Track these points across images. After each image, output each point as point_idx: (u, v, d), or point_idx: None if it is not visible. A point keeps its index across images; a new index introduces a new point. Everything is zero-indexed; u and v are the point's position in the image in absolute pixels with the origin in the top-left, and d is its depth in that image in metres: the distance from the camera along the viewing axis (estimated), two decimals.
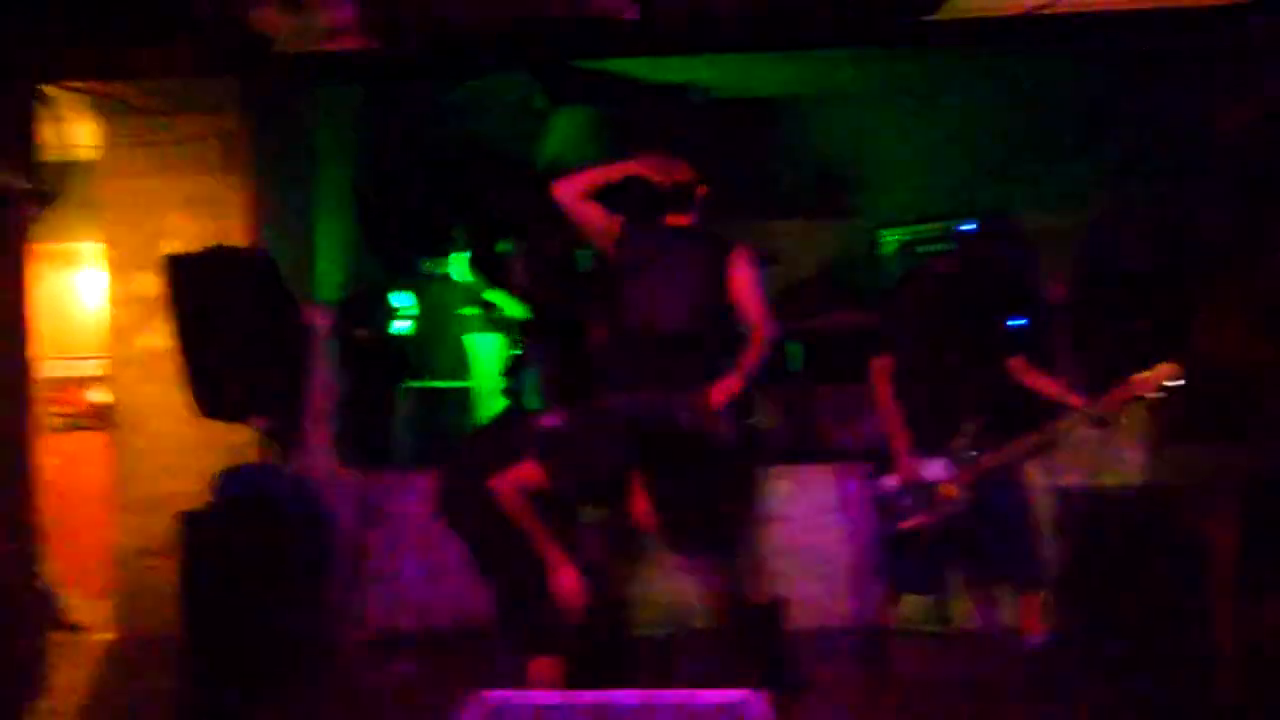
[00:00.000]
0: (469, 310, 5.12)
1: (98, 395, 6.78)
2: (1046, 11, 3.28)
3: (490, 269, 4.96)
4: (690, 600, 4.45)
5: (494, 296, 4.95)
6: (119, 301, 5.88)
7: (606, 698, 2.32)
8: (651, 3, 2.97)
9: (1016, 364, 3.81)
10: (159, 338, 5.80)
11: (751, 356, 3.54)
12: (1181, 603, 3.91)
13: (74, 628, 5.92)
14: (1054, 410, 3.71)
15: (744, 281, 3.62)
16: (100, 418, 6.74)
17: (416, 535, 4.53)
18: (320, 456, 4.36)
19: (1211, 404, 4.67)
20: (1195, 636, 3.88)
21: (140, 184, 5.77)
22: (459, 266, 5.08)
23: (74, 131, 5.31)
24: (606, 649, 3.35)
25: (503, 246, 4.95)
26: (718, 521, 3.43)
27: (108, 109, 5.60)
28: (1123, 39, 3.56)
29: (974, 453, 3.70)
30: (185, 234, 5.77)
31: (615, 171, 3.53)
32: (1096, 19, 3.37)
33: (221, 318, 4.01)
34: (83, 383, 6.78)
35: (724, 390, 3.44)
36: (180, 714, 3.96)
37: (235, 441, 5.66)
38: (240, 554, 4.00)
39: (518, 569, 3.17)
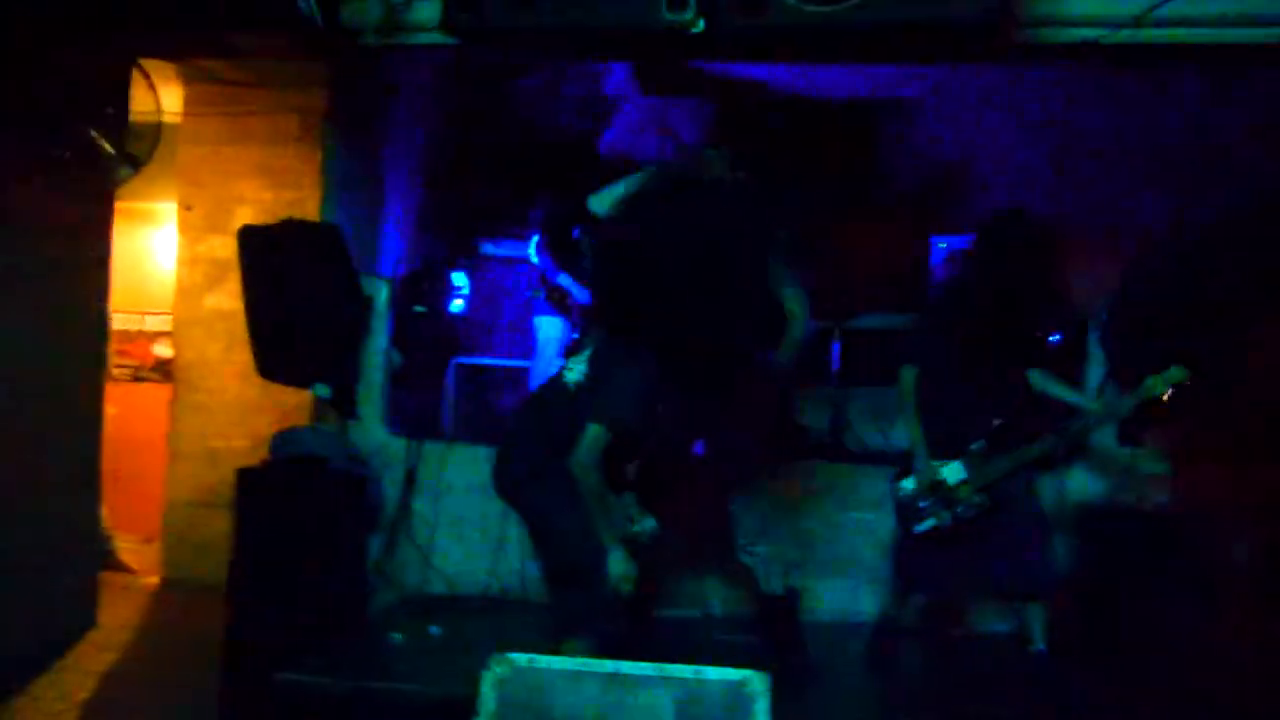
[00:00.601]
0: (537, 292, 5.33)
1: (162, 350, 7.15)
2: (1109, 42, 3.41)
3: (560, 253, 5.15)
4: (713, 586, 4.68)
5: (564, 281, 5.15)
6: (188, 262, 6.19)
7: (620, 667, 2.52)
8: (716, 16, 3.15)
9: (1035, 374, 3.95)
10: (225, 299, 6.14)
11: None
12: (1193, 620, 4.02)
13: (124, 568, 6.29)
14: (1069, 416, 3.85)
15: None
16: (162, 372, 7.11)
17: (454, 506, 4.77)
18: (372, 424, 4.60)
19: (1241, 424, 4.78)
20: (1204, 653, 3.99)
21: (216, 150, 6.06)
22: (532, 249, 5.28)
23: (156, 96, 5.59)
24: (635, 630, 3.57)
25: (575, 231, 5.12)
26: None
27: (190, 77, 5.90)
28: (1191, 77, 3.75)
29: (990, 457, 3.85)
30: (258, 201, 6.08)
31: (645, 183, 3.71)
32: (1154, 52, 3.52)
33: (289, 286, 4.25)
34: (150, 337, 7.16)
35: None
36: (224, 654, 4.21)
37: (288, 404, 5.97)
38: (291, 511, 4.26)
39: (570, 547, 3.36)
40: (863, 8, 3.08)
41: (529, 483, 3.43)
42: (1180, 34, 3.35)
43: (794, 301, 3.83)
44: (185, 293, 6.20)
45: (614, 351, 3.44)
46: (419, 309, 4.69)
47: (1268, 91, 3.79)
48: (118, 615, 5.49)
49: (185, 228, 6.17)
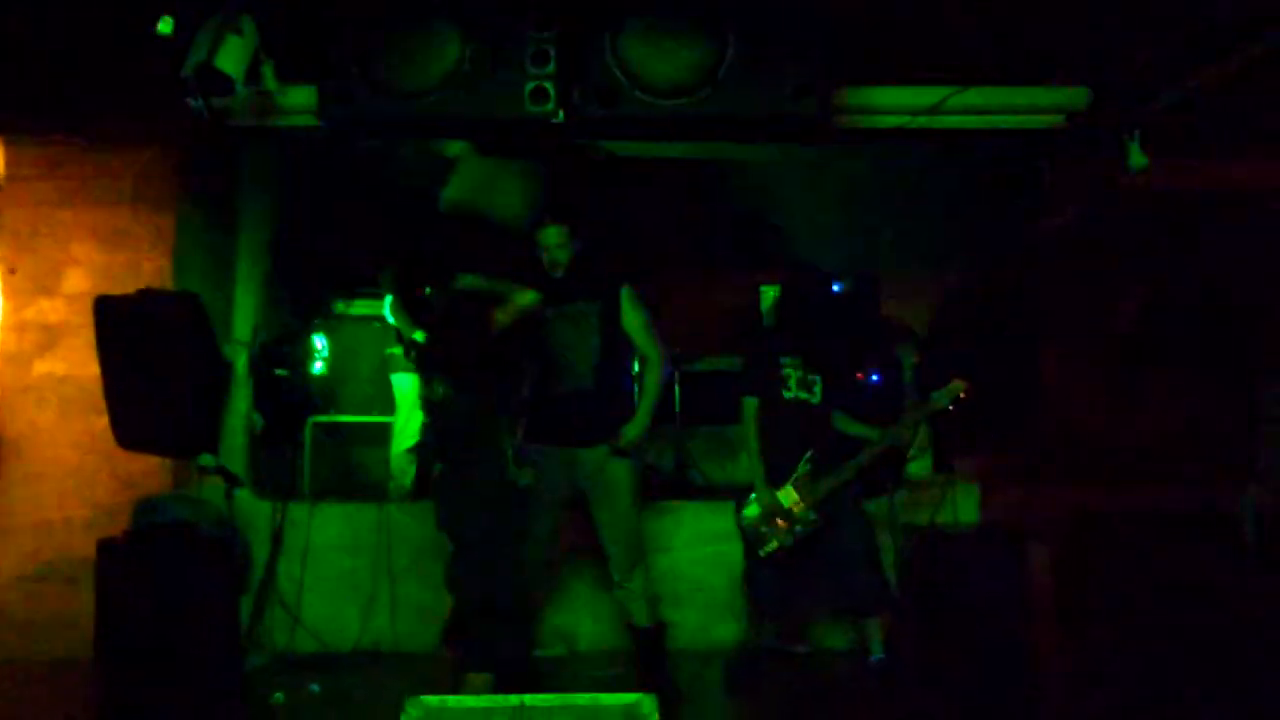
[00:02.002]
0: (394, 350, 5.59)
1: None
2: (909, 126, 4.10)
3: (414, 311, 5.44)
4: (579, 623, 5.08)
5: (419, 337, 5.43)
6: (14, 327, 6.10)
7: (524, 700, 2.89)
8: (574, 108, 3.60)
9: (837, 416, 4.61)
10: (57, 365, 6.08)
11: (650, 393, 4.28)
12: (1005, 628, 4.69)
13: None
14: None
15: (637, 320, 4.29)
16: None
17: (321, 564, 4.98)
18: (236, 487, 4.75)
19: (1046, 451, 5.58)
20: (1017, 658, 4.67)
21: (44, 212, 6.00)
22: (385, 308, 5.55)
23: None
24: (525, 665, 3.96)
25: (427, 290, 5.41)
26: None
27: (14, 138, 5.87)
28: (969, 147, 4.54)
29: (815, 478, 4.45)
30: (90, 263, 6.08)
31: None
32: (945, 133, 4.23)
33: (149, 356, 4.38)
34: None
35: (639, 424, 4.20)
36: None
37: (130, 471, 5.96)
38: (157, 578, 4.37)
39: (489, 586, 3.74)
40: (703, 102, 3.61)
41: (464, 512, 3.80)
42: (970, 120, 4.07)
43: (651, 351, 4.33)
44: (12, 359, 6.07)
45: None
46: (280, 372, 4.88)
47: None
48: None
49: (10, 292, 6.09)
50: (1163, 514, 5.58)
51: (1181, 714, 4.69)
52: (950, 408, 4.35)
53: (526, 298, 4.13)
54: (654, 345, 4.35)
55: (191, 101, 3.40)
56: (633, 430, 4.24)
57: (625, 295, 4.34)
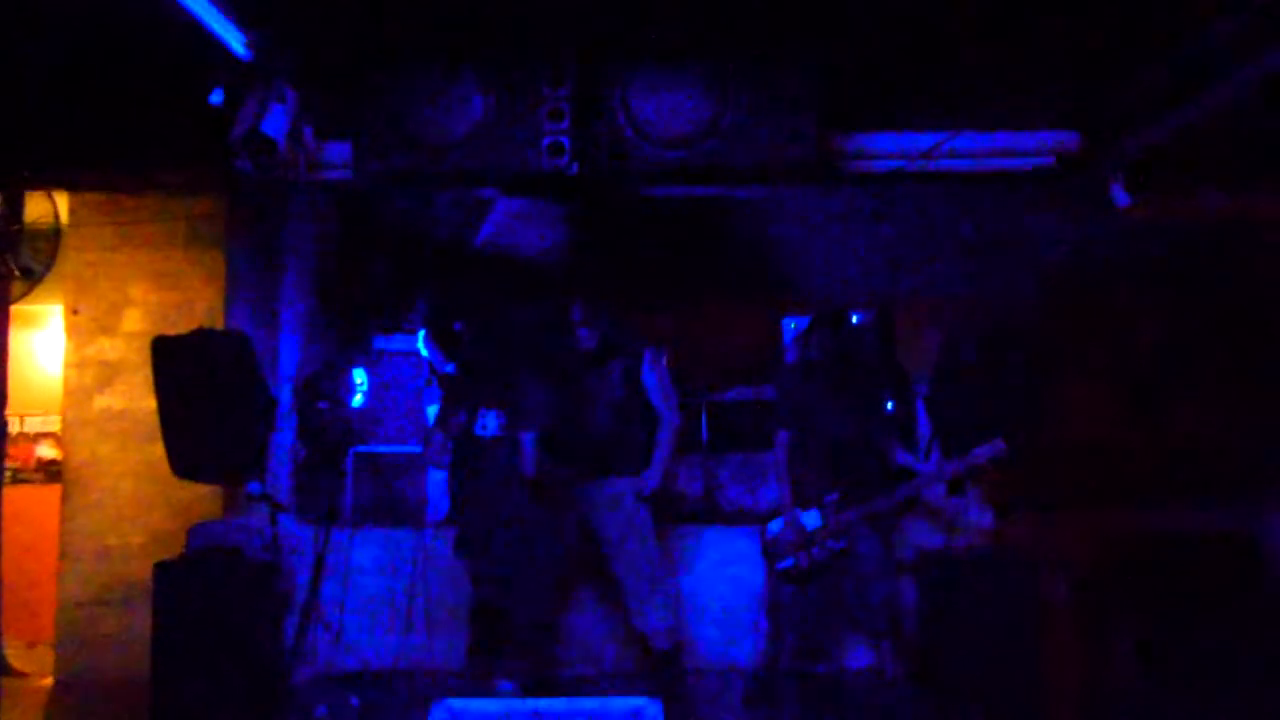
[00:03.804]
0: (429, 382, 6.04)
1: (45, 450, 7.50)
2: (908, 170, 4.46)
3: (446, 344, 5.90)
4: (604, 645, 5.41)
5: (451, 370, 5.87)
6: (76, 364, 6.62)
7: (540, 704, 3.25)
8: (588, 161, 4.01)
9: (885, 441, 4.90)
10: (115, 399, 6.61)
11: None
12: (1020, 648, 4.94)
13: (13, 673, 6.59)
14: (909, 476, 4.80)
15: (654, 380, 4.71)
16: (45, 472, 7.46)
17: (362, 587, 5.38)
18: (281, 513, 5.17)
19: (1059, 476, 5.83)
20: (1029, 676, 4.91)
21: (104, 255, 6.53)
22: (420, 342, 6.00)
23: (54, 205, 6.09)
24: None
25: (457, 325, 5.88)
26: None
27: (75, 187, 6.41)
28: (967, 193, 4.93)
29: (842, 507, 4.75)
30: (145, 303, 6.60)
31: None
32: (947, 177, 4.58)
33: (202, 391, 4.83)
34: (30, 438, 7.51)
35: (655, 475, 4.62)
36: None
37: (183, 498, 6.44)
38: (209, 600, 4.80)
39: (513, 606, 4.17)
40: (708, 154, 4.00)
41: (484, 540, 4.19)
42: (964, 164, 4.42)
43: (664, 408, 4.72)
44: (74, 394, 6.61)
45: None
46: (322, 405, 5.32)
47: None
48: (18, 719, 5.85)
49: (73, 331, 6.60)
50: (1184, 535, 5.82)
51: None
52: (989, 466, 4.60)
53: None
54: (666, 403, 4.78)
55: (238, 162, 3.84)
56: (651, 480, 4.70)
57: (647, 358, 4.78)
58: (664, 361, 4.78)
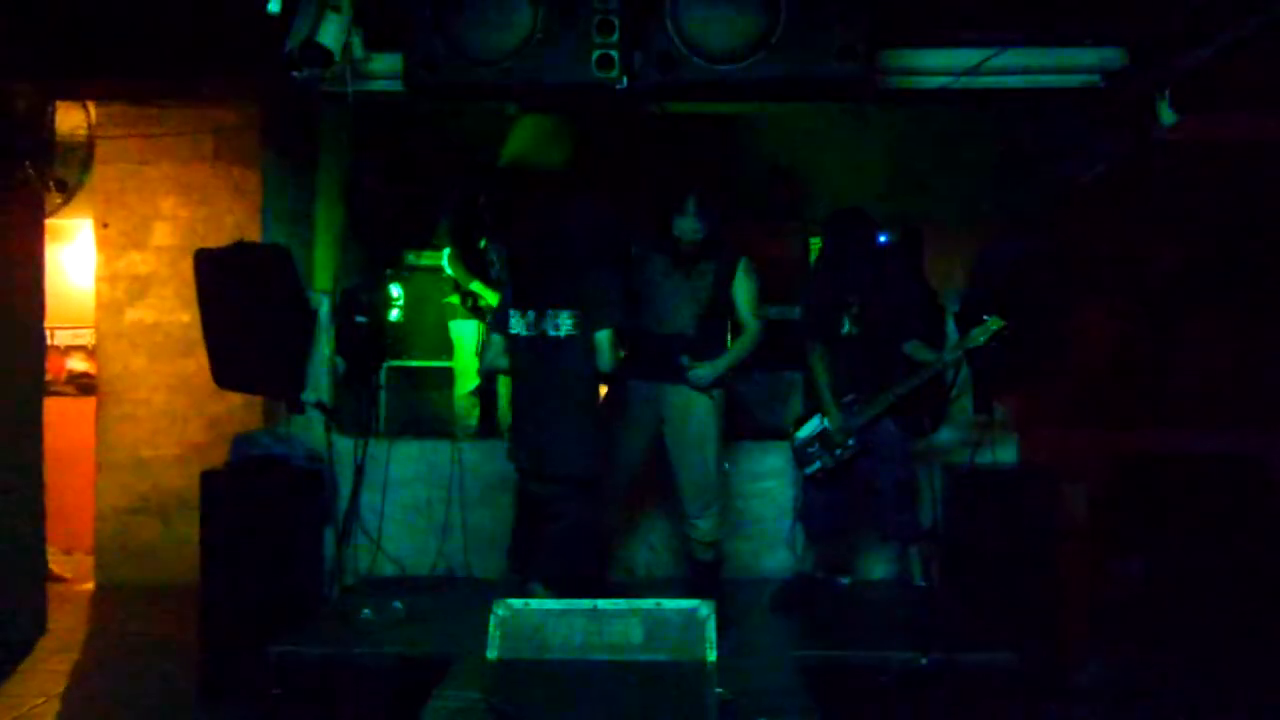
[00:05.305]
0: (453, 299, 6.09)
1: (76, 363, 7.59)
2: (953, 87, 4.48)
3: (471, 263, 5.93)
4: (637, 553, 5.56)
5: (475, 287, 5.91)
6: (108, 278, 6.70)
7: (597, 604, 3.36)
8: (636, 73, 4.01)
9: (910, 345, 4.98)
10: (147, 313, 6.71)
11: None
12: (1038, 560, 5.09)
13: (56, 578, 6.77)
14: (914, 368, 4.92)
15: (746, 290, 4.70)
16: (77, 385, 7.56)
17: (400, 495, 5.49)
18: (320, 425, 5.27)
19: (1083, 394, 5.94)
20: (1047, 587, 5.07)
21: (133, 169, 6.58)
22: (444, 260, 6.04)
23: (88, 115, 6.08)
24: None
25: (482, 242, 5.90)
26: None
27: (102, 99, 6.39)
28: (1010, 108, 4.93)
29: (861, 404, 4.88)
30: (175, 218, 6.66)
31: None
32: (991, 94, 4.60)
33: (243, 304, 4.88)
34: (62, 351, 7.59)
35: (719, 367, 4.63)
36: (202, 638, 4.84)
37: (217, 411, 6.60)
38: (255, 507, 4.92)
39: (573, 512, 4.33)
40: (757, 65, 4.00)
41: (537, 450, 4.29)
42: (1009, 80, 4.43)
43: (750, 321, 4.73)
44: (106, 308, 6.70)
45: None
46: (361, 319, 5.38)
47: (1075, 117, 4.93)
48: (64, 620, 6.03)
49: (104, 244, 6.66)
50: (1200, 456, 5.96)
51: (1205, 650, 5.08)
52: (990, 344, 4.68)
53: None
54: (754, 316, 4.72)
55: (295, 74, 3.84)
56: (705, 368, 4.60)
57: (742, 265, 4.71)
58: (757, 273, 4.76)
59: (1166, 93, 4.19)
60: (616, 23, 3.99)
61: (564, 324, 4.23)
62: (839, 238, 5.11)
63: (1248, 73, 4.33)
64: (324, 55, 3.76)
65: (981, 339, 4.70)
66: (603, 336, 4.24)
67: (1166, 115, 4.21)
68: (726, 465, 4.95)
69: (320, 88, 4.21)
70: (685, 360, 4.59)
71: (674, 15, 4.01)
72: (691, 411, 4.68)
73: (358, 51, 4.08)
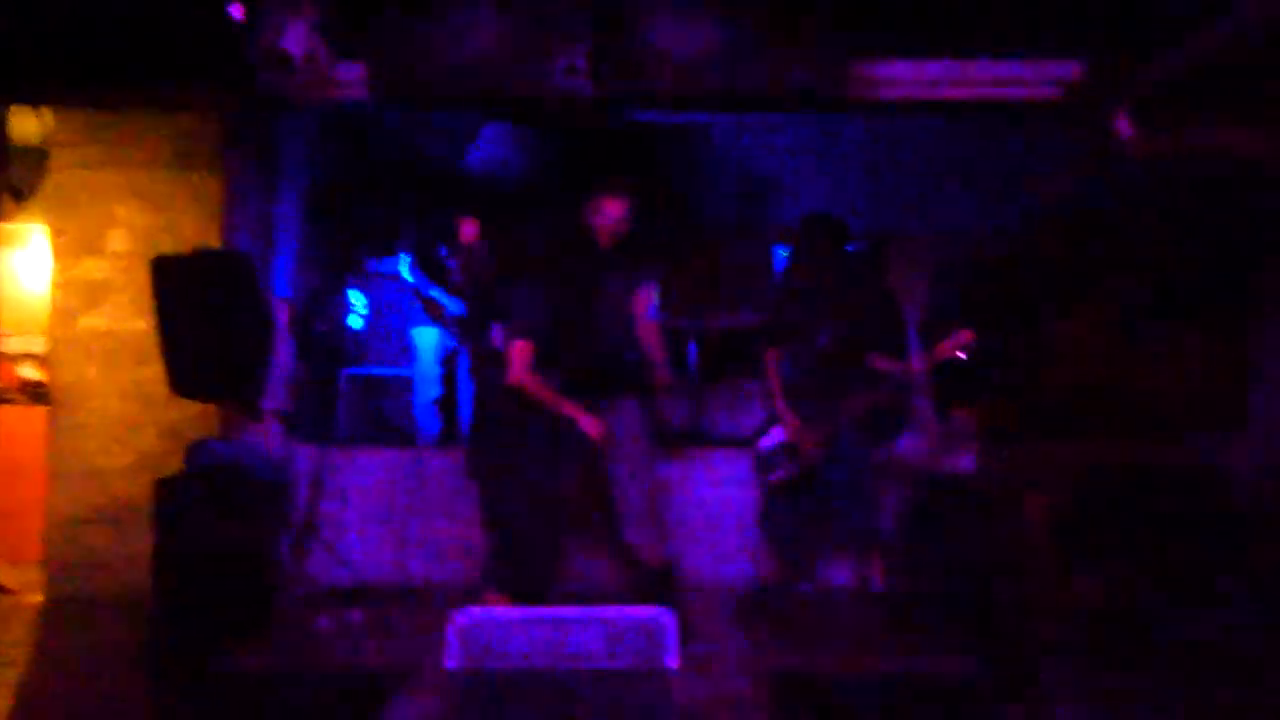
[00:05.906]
0: (413, 306, 6.07)
1: (27, 372, 7.44)
2: (922, 99, 4.54)
3: (431, 269, 5.92)
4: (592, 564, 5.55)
5: (435, 294, 5.90)
6: (62, 285, 6.56)
7: (559, 613, 3.35)
8: (604, 84, 4.02)
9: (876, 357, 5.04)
10: (101, 320, 6.56)
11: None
12: (999, 567, 5.13)
13: (1, 590, 6.60)
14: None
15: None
16: (28, 394, 7.41)
17: (358, 505, 5.45)
18: (279, 432, 5.22)
19: (1042, 405, 6.02)
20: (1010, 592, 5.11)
21: (88, 175, 6.44)
22: (404, 267, 6.01)
23: (44, 123, 5.97)
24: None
25: (441, 250, 5.90)
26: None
27: (60, 104, 6.27)
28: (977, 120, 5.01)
29: (819, 416, 4.92)
30: (133, 224, 6.53)
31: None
32: (956, 105, 4.67)
33: (203, 311, 4.82)
34: (11, 359, 7.43)
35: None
36: (149, 652, 4.75)
37: (172, 420, 6.46)
38: (209, 516, 4.84)
39: (518, 524, 4.30)
40: (724, 78, 4.06)
41: (493, 462, 4.27)
42: (972, 92, 4.50)
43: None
44: (60, 315, 6.53)
45: None
46: (320, 326, 5.34)
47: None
48: (9, 634, 5.88)
49: (59, 251, 6.53)
50: (1157, 467, 6.05)
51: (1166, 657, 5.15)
52: (959, 354, 4.73)
53: None
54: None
55: (258, 81, 3.81)
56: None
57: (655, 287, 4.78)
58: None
59: (1125, 107, 4.28)
60: (584, 33, 4.01)
61: (499, 336, 4.30)
62: (809, 240, 5.14)
63: (1208, 87, 4.42)
64: (286, 61, 3.74)
65: (949, 350, 4.74)
66: (515, 347, 4.28)
67: (1124, 129, 4.29)
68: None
69: (283, 94, 4.17)
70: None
71: (641, 25, 4.04)
72: (628, 424, 4.71)
73: (323, 59, 4.05)
